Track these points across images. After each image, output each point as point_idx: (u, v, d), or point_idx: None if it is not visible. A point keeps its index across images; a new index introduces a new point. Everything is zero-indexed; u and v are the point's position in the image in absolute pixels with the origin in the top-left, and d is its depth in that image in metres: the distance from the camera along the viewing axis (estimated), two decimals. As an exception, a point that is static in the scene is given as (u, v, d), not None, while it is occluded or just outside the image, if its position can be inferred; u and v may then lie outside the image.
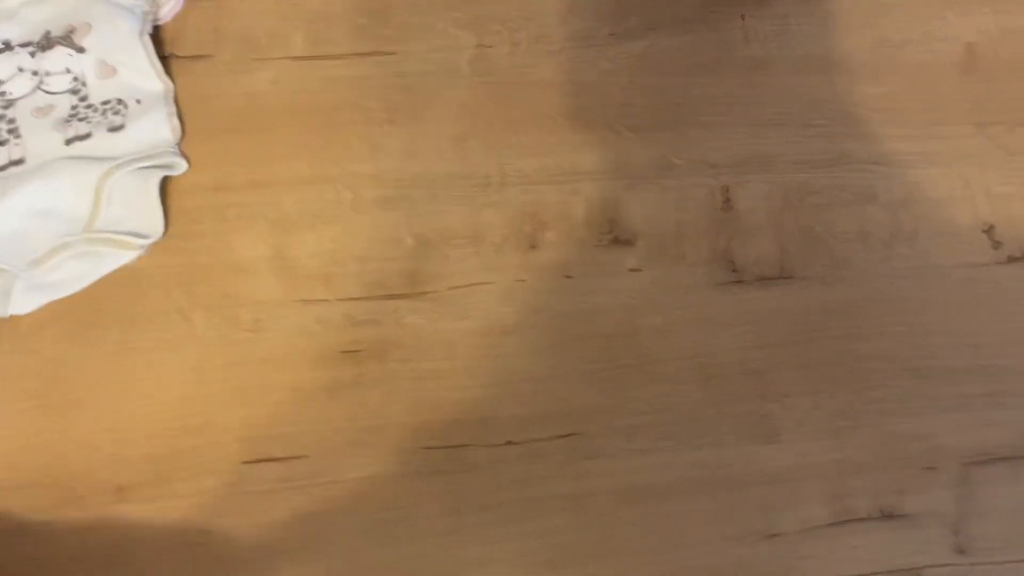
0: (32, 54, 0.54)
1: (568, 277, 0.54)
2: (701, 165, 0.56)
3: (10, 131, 0.53)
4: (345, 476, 0.49)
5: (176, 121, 0.55)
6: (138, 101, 0.54)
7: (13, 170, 0.52)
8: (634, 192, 0.56)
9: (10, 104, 0.53)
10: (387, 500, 0.49)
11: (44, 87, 0.54)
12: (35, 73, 0.54)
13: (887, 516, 0.50)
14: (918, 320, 0.54)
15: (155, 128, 0.54)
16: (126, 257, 0.52)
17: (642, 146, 0.56)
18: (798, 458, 0.51)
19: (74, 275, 0.52)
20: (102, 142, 0.53)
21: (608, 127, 0.57)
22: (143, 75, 0.55)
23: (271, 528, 0.48)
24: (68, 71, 0.54)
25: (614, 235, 0.55)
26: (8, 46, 0.54)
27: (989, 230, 0.56)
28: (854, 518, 0.50)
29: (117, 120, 0.54)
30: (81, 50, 0.54)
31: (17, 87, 0.53)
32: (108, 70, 0.55)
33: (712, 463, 0.51)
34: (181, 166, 0.54)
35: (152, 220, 0.53)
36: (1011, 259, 0.56)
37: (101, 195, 0.52)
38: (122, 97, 0.54)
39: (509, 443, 0.50)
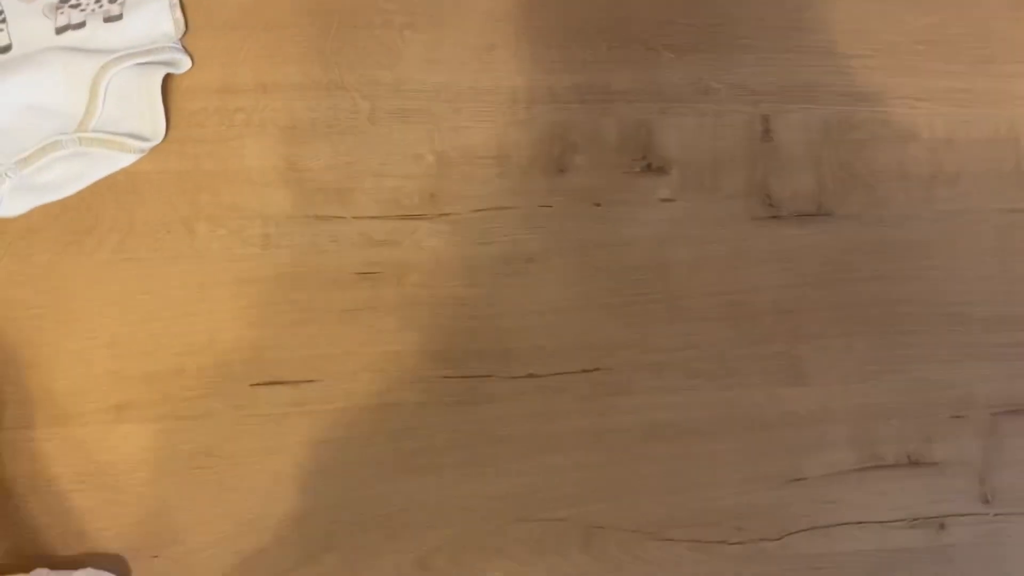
0: (19, -71, 0.49)
1: (597, 205, 0.51)
2: (741, 91, 0.53)
3: (-5, 14, 0.48)
4: (359, 403, 0.47)
5: (179, 14, 0.51)
6: (137, -11, 0.50)
7: (-1, 57, 0.47)
8: (669, 117, 0.52)
9: (-6, -16, 0.48)
10: (403, 429, 0.47)
11: (32, -33, 0.49)
12: (21, -49, 0.49)
13: (913, 463, 0.49)
14: (955, 265, 0.52)
15: (155, 20, 0.50)
16: (124, 160, 0.49)
17: (680, 67, 0.53)
18: (827, 401, 0.50)
19: (67, 177, 0.48)
20: (97, 33, 0.49)
21: (645, 45, 0.53)
22: (143, -40, 0.50)
23: (280, 453, 0.46)
24: (59, -49, 0.49)
25: (647, 162, 0.52)
26: (-8, -82, 0.49)
27: (1032, 175, 0.54)
28: (880, 464, 0.49)
29: (114, 9, 0.49)
30: (74, -73, 0.49)
31: (2, -34, 0.48)
32: (104, -48, 0.50)
33: (739, 404, 0.49)
34: (184, 64, 0.50)
35: (153, 121, 0.49)
36: (1053, 206, 0.54)
37: (97, 92, 0.48)
38: (119, -16, 0.50)
39: (531, 375, 0.48)
